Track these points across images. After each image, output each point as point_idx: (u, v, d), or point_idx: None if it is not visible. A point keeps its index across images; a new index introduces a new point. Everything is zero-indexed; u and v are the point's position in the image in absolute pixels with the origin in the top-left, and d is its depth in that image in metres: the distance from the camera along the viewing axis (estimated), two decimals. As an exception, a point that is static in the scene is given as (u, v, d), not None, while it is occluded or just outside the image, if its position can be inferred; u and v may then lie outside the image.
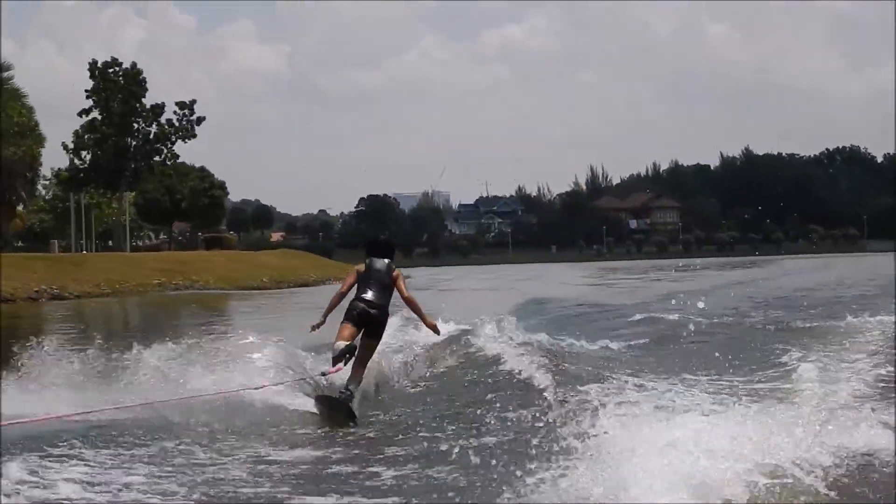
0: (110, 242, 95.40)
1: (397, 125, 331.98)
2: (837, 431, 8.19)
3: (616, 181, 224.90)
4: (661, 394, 11.19)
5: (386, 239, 15.10)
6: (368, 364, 13.72)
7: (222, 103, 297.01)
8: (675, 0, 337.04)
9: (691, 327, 20.63)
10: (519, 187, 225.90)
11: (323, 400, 12.99)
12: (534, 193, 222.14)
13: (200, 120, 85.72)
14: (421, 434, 10.87)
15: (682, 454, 6.89)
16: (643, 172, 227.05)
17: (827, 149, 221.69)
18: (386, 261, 13.94)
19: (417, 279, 74.87)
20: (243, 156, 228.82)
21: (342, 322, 13.35)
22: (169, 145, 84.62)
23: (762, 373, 13.53)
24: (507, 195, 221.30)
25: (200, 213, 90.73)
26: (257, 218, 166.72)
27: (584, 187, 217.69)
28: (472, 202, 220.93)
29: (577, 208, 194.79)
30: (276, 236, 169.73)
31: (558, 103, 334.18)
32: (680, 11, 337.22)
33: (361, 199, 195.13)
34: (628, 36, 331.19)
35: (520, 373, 14.04)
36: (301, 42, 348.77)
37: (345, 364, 13.14)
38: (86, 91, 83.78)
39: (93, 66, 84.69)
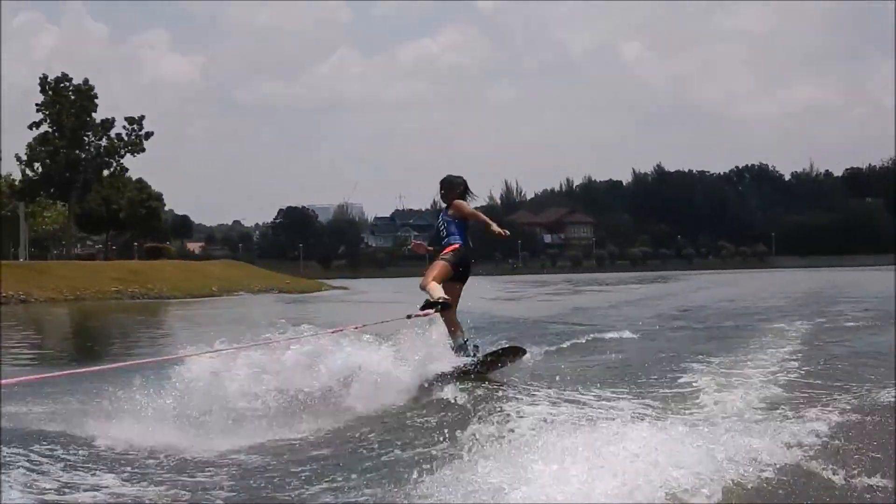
0: (33, 250, 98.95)
1: (312, 137, 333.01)
2: (757, 435, 8.47)
3: (530, 196, 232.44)
4: (581, 405, 11.26)
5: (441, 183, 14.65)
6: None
7: (135, 112, 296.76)
8: (589, 17, 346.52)
9: (610, 338, 21.44)
10: (434, 201, 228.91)
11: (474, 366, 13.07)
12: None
13: (149, 135, 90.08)
14: (349, 445, 10.37)
15: (606, 459, 7.01)
16: (557, 188, 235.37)
17: (737, 166, 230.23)
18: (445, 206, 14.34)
19: (333, 293, 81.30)
20: (156, 166, 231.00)
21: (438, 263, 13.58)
22: (118, 158, 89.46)
23: (682, 381, 13.67)
24: (423, 209, 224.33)
25: (138, 223, 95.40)
26: (177, 228, 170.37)
27: (499, 202, 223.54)
28: (387, 215, 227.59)
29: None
30: (195, 247, 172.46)
31: (473, 118, 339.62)
32: (594, 29, 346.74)
33: (280, 210, 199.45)
34: (543, 52, 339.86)
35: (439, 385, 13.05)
36: (216, 53, 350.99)
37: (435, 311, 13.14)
38: (37, 105, 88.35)
39: (43, 80, 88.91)
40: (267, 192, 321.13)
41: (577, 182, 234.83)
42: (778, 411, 10.81)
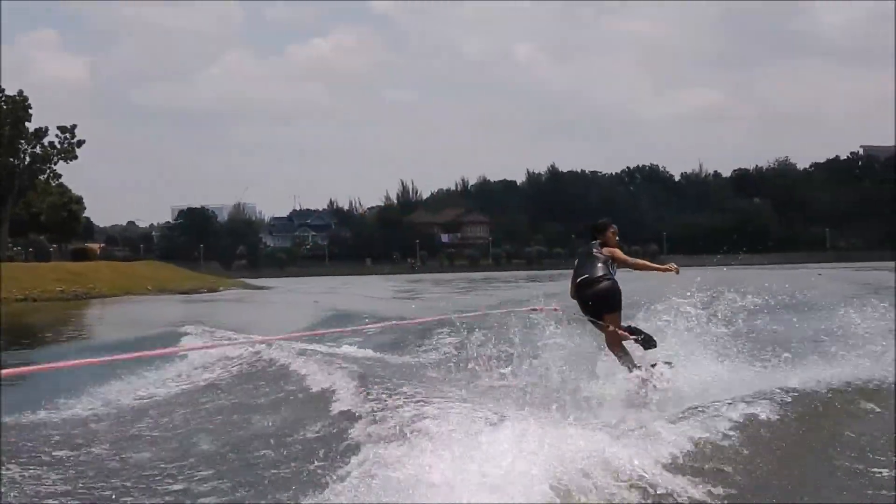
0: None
1: (204, 138, 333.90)
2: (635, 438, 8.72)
3: (426, 195, 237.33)
4: (457, 403, 11.38)
5: (592, 224, 16.11)
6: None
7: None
8: (483, 20, 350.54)
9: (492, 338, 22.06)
10: (331, 201, 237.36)
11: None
12: (346, 207, 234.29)
13: (81, 143, 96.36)
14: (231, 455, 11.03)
15: (486, 458, 7.26)
16: (452, 187, 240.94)
17: (628, 167, 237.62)
18: (593, 243, 15.37)
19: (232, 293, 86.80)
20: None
21: None
22: (51, 166, 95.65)
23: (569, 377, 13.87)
24: (320, 209, 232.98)
25: (59, 226, 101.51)
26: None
27: (396, 202, 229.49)
28: (285, 215, 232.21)
29: (391, 222, 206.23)
30: (95, 247, 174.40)
31: (368, 119, 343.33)
32: (488, 32, 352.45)
33: (181, 211, 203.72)
34: (437, 54, 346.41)
35: (319, 386, 14.40)
36: (107, 53, 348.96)
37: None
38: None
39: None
40: (159, 192, 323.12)
41: (472, 182, 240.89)
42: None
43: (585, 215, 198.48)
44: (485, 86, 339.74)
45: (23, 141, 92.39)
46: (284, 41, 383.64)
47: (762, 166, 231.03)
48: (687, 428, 9.38)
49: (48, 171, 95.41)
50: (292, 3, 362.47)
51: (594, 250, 15.01)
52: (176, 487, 9.64)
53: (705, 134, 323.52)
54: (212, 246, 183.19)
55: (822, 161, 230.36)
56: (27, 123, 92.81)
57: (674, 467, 8.04)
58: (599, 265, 14.72)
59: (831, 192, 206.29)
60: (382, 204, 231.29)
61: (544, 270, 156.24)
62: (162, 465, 10.75)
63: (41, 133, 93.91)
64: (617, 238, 15.28)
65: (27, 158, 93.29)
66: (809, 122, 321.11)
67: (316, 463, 9.08)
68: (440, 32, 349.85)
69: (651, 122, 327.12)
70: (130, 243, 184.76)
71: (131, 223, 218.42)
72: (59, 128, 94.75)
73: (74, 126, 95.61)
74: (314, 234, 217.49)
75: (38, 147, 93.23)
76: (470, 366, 15.52)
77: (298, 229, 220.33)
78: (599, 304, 14.50)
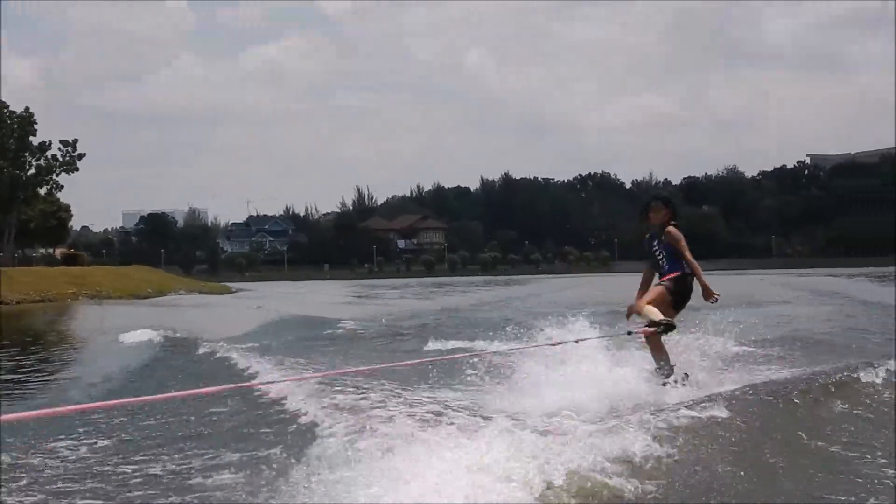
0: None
1: (155, 142, 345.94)
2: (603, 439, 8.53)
3: (381, 201, 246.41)
4: (413, 411, 11.40)
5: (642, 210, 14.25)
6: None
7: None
8: (435, 26, 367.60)
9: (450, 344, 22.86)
10: (287, 207, 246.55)
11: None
12: (302, 213, 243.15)
13: (81, 156, 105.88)
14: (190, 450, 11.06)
15: (452, 466, 7.36)
16: (407, 194, 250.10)
17: (580, 174, 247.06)
18: (652, 233, 13.89)
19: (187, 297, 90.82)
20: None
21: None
22: (54, 177, 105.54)
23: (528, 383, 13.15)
24: (276, 214, 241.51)
25: (48, 233, 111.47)
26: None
27: (352, 208, 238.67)
28: (241, 221, 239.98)
29: (348, 228, 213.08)
30: (58, 252, 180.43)
31: (321, 124, 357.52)
32: (440, 38, 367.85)
33: (141, 217, 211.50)
34: (390, 60, 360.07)
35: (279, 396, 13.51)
36: (57, 56, 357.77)
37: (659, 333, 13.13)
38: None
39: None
40: (110, 197, 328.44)
41: (426, 188, 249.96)
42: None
43: (538, 221, 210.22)
44: (437, 92, 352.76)
45: (27, 154, 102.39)
46: (236, 45, 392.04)
47: (711, 174, 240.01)
48: (645, 427, 9.39)
49: (51, 182, 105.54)
50: (244, 7, 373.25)
51: (656, 243, 13.85)
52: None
53: (655, 141, 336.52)
54: (171, 251, 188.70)
55: (769, 169, 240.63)
56: (31, 138, 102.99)
57: (630, 466, 8.11)
58: (672, 255, 13.69)
59: (778, 199, 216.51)
60: (338, 210, 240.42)
61: (499, 276, 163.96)
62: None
63: (45, 147, 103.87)
64: (662, 213, 13.79)
65: (32, 170, 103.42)
66: (758, 130, 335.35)
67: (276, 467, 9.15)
68: (392, 37, 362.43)
69: (602, 129, 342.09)
70: (92, 248, 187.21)
71: (86, 228, 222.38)
72: (61, 142, 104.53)
73: (76, 140, 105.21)
74: (271, 239, 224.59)
75: (41, 160, 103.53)
76: (441, 369, 15.38)
77: (256, 235, 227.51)
78: (683, 298, 13.74)
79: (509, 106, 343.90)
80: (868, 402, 12.12)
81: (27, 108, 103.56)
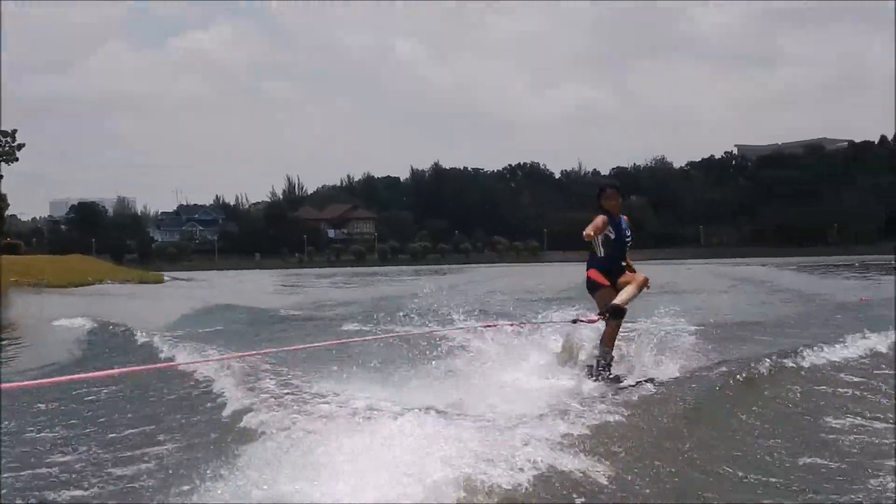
0: None
1: (81, 131, 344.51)
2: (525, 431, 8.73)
3: (312, 191, 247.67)
4: (345, 399, 11.21)
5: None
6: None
7: None
8: (365, 17, 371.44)
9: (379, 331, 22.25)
10: (217, 196, 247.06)
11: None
12: (232, 203, 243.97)
13: (21, 146, 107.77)
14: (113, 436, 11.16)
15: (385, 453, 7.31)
16: (337, 183, 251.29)
17: (509, 164, 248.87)
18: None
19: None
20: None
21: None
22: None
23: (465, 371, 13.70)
24: (206, 204, 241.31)
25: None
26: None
27: (282, 197, 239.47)
28: (172, 210, 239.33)
29: (278, 218, 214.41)
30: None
31: (250, 114, 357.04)
32: (371, 29, 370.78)
33: (73, 206, 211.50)
34: (318, 49, 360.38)
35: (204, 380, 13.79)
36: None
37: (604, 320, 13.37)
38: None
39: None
40: (34, 185, 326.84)
41: (356, 178, 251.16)
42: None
43: (468, 211, 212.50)
44: (367, 82, 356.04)
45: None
46: (165, 33, 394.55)
47: (640, 164, 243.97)
48: (580, 412, 9.62)
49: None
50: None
51: (622, 222, 14.16)
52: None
53: (584, 132, 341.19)
54: (101, 240, 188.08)
55: (697, 160, 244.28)
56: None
57: (570, 450, 8.20)
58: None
59: (706, 190, 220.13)
60: (269, 199, 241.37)
61: (429, 265, 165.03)
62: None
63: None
64: (616, 200, 14.05)
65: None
66: (685, 122, 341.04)
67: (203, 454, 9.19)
68: (322, 27, 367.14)
69: (532, 120, 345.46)
70: (23, 237, 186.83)
71: (13, 216, 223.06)
72: (0, 132, 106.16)
73: (15, 131, 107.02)
74: (202, 228, 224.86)
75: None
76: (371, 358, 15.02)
77: (186, 224, 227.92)
78: (587, 286, 14.20)
79: (439, 97, 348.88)
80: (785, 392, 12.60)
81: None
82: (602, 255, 13.67)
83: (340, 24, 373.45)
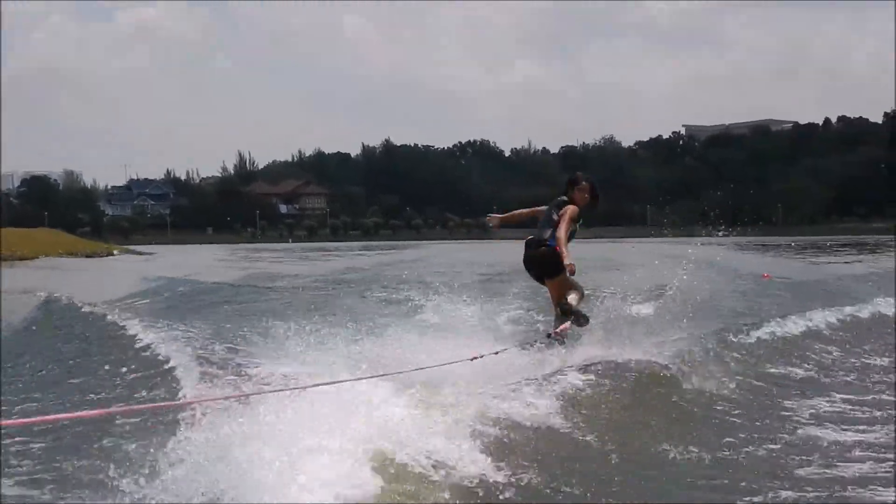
0: None
1: (27, 104, 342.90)
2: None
3: (262, 166, 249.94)
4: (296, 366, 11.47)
5: (569, 177, 14.83)
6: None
7: None
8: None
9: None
10: (168, 171, 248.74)
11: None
12: (183, 177, 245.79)
13: None
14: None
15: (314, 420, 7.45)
16: (289, 159, 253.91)
17: (459, 142, 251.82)
18: (561, 199, 14.44)
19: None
20: None
21: None
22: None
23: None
24: (157, 178, 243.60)
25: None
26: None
27: (233, 172, 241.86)
28: (123, 184, 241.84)
29: (231, 193, 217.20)
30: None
31: (197, 89, 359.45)
32: (316, 4, 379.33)
33: (24, 180, 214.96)
34: (265, 24, 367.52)
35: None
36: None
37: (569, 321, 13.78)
38: None
39: None
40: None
41: (308, 153, 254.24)
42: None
43: (419, 188, 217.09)
44: (314, 58, 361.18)
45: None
46: (112, 6, 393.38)
47: (588, 143, 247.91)
48: (513, 400, 9.89)
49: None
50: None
51: (554, 211, 14.36)
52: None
53: (533, 111, 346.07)
54: (53, 214, 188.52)
55: (645, 140, 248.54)
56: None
57: (485, 441, 8.35)
58: (550, 228, 14.20)
59: (654, 169, 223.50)
60: (220, 174, 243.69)
61: (380, 241, 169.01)
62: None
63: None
64: (589, 196, 14.51)
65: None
66: (633, 101, 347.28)
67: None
68: (269, 2, 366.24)
69: (480, 98, 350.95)
70: None
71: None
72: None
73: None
74: (153, 203, 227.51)
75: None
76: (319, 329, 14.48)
77: (137, 198, 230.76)
78: (535, 269, 14.39)
79: (387, 74, 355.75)
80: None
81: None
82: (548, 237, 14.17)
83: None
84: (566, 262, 13.54)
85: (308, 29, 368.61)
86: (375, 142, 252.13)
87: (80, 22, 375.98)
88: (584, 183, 14.60)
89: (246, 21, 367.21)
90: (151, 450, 7.95)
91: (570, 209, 14.14)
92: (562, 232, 13.81)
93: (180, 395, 11.20)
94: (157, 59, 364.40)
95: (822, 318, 19.39)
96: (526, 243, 14.53)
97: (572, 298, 14.00)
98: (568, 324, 13.84)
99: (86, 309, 22.26)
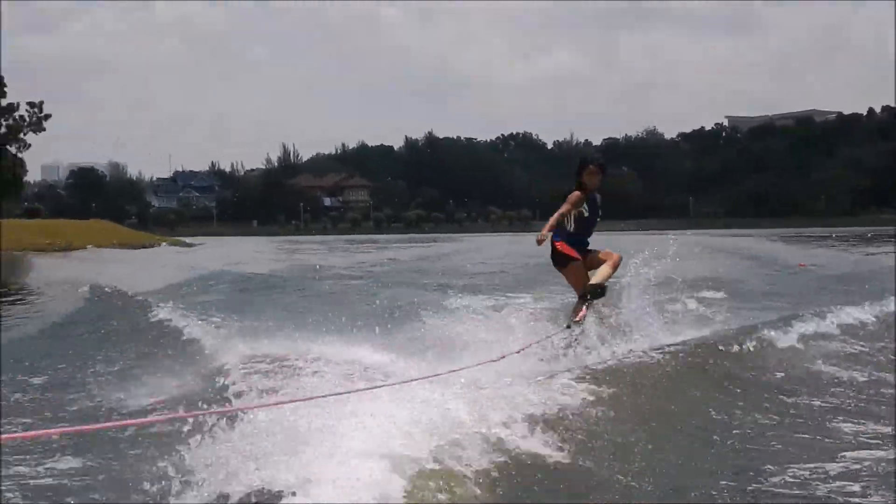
0: None
1: (71, 95, 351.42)
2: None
3: (306, 159, 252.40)
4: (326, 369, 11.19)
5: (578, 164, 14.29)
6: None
7: None
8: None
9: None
10: (213, 163, 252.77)
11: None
12: (228, 170, 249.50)
13: (48, 116, 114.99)
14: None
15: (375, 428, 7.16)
16: (332, 152, 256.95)
17: (502, 134, 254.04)
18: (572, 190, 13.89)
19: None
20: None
21: None
22: (22, 136, 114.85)
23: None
24: (202, 170, 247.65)
25: (3, 188, 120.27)
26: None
27: (277, 164, 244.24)
28: (168, 176, 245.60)
29: (275, 185, 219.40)
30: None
31: (236, 80, 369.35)
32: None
33: (72, 171, 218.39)
34: (302, 16, 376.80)
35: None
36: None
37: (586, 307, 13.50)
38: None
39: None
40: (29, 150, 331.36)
41: (351, 146, 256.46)
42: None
43: (461, 181, 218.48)
44: (355, 50, 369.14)
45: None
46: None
47: (631, 135, 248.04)
48: (549, 390, 9.80)
49: (20, 142, 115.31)
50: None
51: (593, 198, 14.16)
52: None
53: (575, 103, 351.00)
54: (100, 205, 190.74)
55: (688, 131, 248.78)
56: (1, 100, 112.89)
57: (528, 427, 8.34)
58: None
59: (696, 161, 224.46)
60: (264, 166, 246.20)
61: (423, 234, 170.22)
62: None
63: (13, 108, 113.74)
64: (599, 178, 14.16)
65: (3, 130, 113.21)
66: (676, 93, 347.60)
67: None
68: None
69: (523, 89, 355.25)
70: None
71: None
72: (28, 103, 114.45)
73: (42, 102, 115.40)
74: (198, 195, 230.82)
75: (10, 120, 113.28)
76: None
77: (182, 190, 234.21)
78: (554, 263, 14.21)
79: (427, 66, 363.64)
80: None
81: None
82: (571, 229, 13.96)
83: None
84: (537, 235, 13.18)
85: (346, 21, 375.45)
86: (418, 135, 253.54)
87: (120, 14, 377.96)
88: (591, 166, 14.14)
89: (288, 13, 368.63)
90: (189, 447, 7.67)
91: (571, 195, 13.81)
92: (554, 215, 13.50)
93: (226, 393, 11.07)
94: (194, 50, 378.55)
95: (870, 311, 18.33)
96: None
97: (597, 278, 13.77)
98: (584, 309, 13.47)
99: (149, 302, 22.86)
